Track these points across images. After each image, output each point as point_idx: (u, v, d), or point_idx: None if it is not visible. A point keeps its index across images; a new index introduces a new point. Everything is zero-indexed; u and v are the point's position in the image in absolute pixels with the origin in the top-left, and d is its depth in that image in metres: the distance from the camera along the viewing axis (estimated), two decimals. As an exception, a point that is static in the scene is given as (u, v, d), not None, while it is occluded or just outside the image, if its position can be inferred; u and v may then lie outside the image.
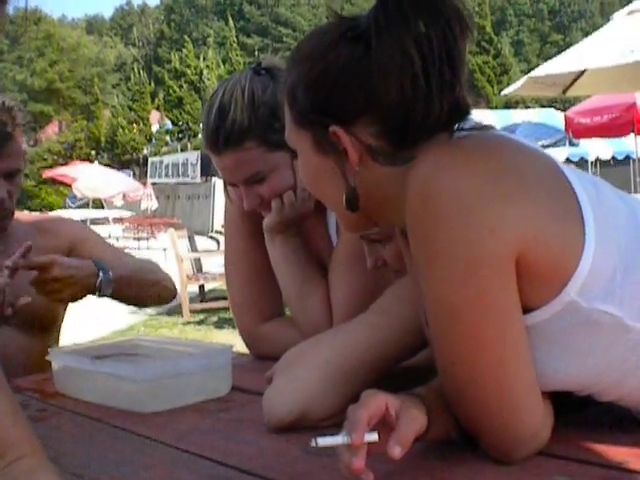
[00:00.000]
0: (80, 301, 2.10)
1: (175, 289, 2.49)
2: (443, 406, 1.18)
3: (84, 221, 22.79)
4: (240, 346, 2.17)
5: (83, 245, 2.42)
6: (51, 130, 49.96)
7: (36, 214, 2.66)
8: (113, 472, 1.24)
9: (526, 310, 1.13)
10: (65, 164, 32.69)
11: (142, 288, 2.32)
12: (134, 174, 37.03)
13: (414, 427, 1.09)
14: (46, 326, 2.35)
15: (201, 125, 1.92)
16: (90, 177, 22.50)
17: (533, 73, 8.43)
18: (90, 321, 7.70)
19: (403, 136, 1.17)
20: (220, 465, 1.25)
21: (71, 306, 2.37)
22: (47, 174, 27.25)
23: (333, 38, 1.20)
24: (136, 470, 1.25)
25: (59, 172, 25.15)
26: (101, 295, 2.12)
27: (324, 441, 1.05)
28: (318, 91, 1.20)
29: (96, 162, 31.23)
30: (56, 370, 1.83)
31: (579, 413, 1.32)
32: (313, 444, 1.05)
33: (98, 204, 26.43)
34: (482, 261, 1.07)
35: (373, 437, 1.05)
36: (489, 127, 1.24)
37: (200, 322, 9.68)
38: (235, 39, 50.08)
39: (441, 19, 1.14)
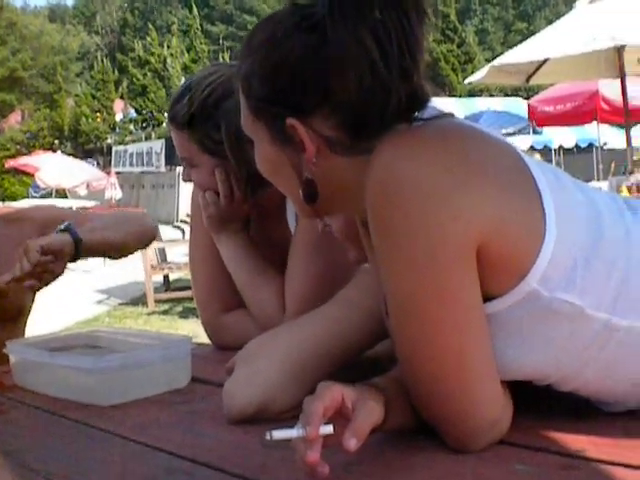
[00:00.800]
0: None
1: (152, 222, 2.44)
2: (401, 396, 1.18)
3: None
4: (204, 337, 2.15)
5: (56, 222, 2.38)
6: (14, 119, 49.41)
7: (5, 207, 2.61)
8: (69, 467, 1.22)
9: (486, 299, 1.12)
10: (28, 154, 32.33)
11: (119, 232, 2.26)
12: (98, 163, 36.73)
13: (370, 418, 1.08)
14: (14, 316, 2.30)
15: None
16: (53, 166, 22.26)
17: (496, 61, 8.48)
18: (54, 311, 7.64)
19: (361, 127, 1.16)
20: (176, 457, 1.23)
21: (37, 296, 2.33)
22: (9, 164, 26.92)
23: (287, 27, 1.18)
24: (92, 464, 1.23)
25: (21, 162, 24.86)
26: (79, 257, 2.04)
27: (279, 434, 1.05)
28: (274, 83, 1.19)
29: (59, 151, 30.95)
30: (14, 363, 1.80)
31: (538, 402, 1.32)
32: (268, 437, 1.04)
33: (62, 194, 26.19)
34: (442, 249, 1.07)
35: (328, 429, 1.05)
36: (449, 115, 1.23)
37: (165, 312, 9.63)
38: (199, 27, 49.81)
39: (397, 6, 1.12)
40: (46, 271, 1.91)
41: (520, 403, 1.22)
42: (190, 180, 1.98)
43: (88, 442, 1.36)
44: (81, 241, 1.99)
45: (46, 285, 2.00)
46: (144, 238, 2.36)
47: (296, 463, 1.05)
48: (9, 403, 1.65)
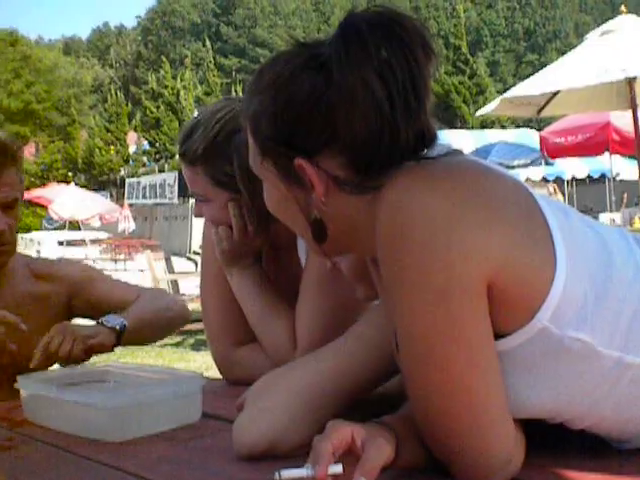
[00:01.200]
0: None
1: (188, 312, 2.48)
2: (412, 433, 1.17)
3: (61, 243, 22.71)
4: (217, 370, 2.15)
5: (86, 288, 2.39)
6: (28, 152, 49.69)
7: (35, 257, 2.58)
8: (78, 505, 1.21)
9: (497, 336, 1.12)
10: (42, 185, 32.51)
11: (158, 328, 2.33)
12: (111, 195, 36.89)
13: (380, 457, 1.07)
14: None
15: None
16: (67, 199, 22.36)
17: (508, 94, 8.47)
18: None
19: (369, 166, 1.16)
20: (187, 496, 1.23)
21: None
22: (24, 196, 27.07)
23: (295, 67, 1.18)
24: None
25: (35, 194, 24.98)
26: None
27: (288, 473, 1.04)
28: (281, 123, 1.19)
29: (72, 183, 31.08)
30: (24, 397, 1.80)
31: (552, 440, 1.30)
32: (276, 477, 1.04)
33: (75, 226, 26.27)
34: (453, 287, 1.06)
35: (337, 469, 1.04)
36: (457, 152, 1.22)
37: (177, 344, 9.62)
38: (212, 60, 50.09)
39: (403, 46, 1.13)
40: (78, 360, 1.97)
41: (533, 441, 1.21)
42: (201, 215, 1.98)
43: (98, 479, 1.34)
44: (122, 336, 2.07)
45: None
46: (176, 326, 2.44)
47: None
48: (19, 438, 1.64)
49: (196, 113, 2.07)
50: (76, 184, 31.66)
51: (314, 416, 1.37)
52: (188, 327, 10.05)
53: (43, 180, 40.55)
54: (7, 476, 1.13)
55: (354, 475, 1.03)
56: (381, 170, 1.15)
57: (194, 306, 11.03)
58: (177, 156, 2.10)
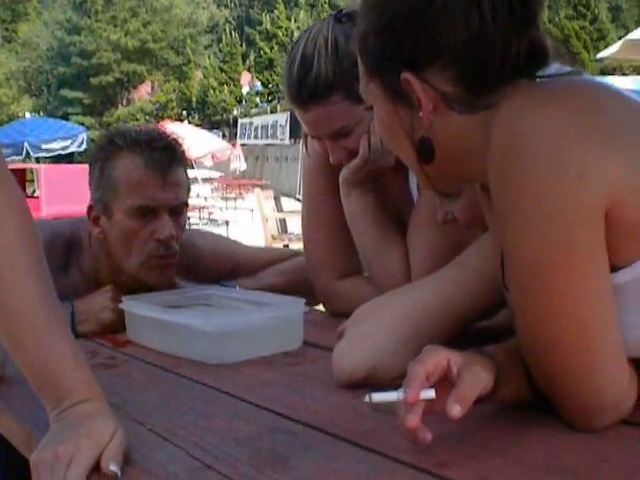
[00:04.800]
0: None
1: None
2: (516, 366, 1.12)
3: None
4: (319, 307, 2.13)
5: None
6: (144, 90, 50.62)
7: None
8: (173, 420, 1.21)
9: (613, 268, 1.05)
10: (157, 124, 33.12)
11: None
12: (224, 135, 37.27)
13: (476, 385, 1.02)
14: None
15: (283, 78, 1.87)
16: (180, 137, 22.73)
17: (631, 35, 8.18)
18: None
19: (479, 80, 1.10)
20: (282, 417, 1.21)
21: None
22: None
23: None
24: (196, 419, 1.22)
25: (150, 131, 25.43)
26: None
27: (378, 397, 1.02)
28: (387, 37, 1.14)
29: (186, 122, 31.54)
30: (129, 318, 1.82)
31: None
32: (367, 399, 1.02)
33: (188, 164, 26.76)
34: (568, 213, 1.00)
35: (429, 394, 1.00)
36: (577, 72, 1.15)
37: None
38: (327, 0, 49.83)
39: None
40: None
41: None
42: (340, 159, 1.84)
43: (195, 398, 1.34)
44: None
45: None
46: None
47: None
48: (121, 357, 1.66)
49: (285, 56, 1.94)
50: (190, 123, 32.07)
51: (416, 343, 1.33)
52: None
53: (158, 119, 41.28)
54: (107, 392, 1.13)
55: (447, 402, 0.99)
56: (491, 87, 1.10)
57: (301, 245, 11.14)
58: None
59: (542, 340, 1.07)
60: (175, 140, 2.05)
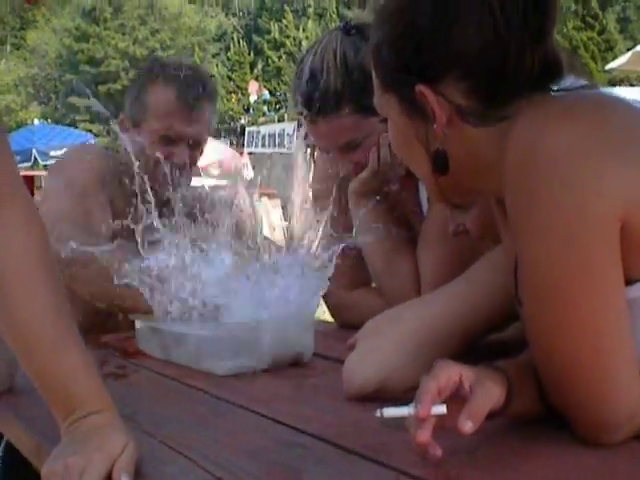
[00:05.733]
0: None
1: None
2: (527, 380, 1.11)
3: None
4: (327, 316, 2.13)
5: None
6: (152, 98, 50.68)
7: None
8: (185, 432, 1.21)
9: (627, 282, 1.04)
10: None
11: None
12: (231, 143, 37.28)
13: (488, 400, 1.02)
14: None
15: (292, 90, 1.88)
16: (188, 145, 22.78)
17: (639, 47, 8.19)
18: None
19: (493, 92, 1.11)
20: (294, 430, 1.21)
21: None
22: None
23: None
24: (207, 432, 1.22)
25: (158, 139, 25.47)
26: None
27: (390, 412, 1.02)
28: (402, 48, 1.15)
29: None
30: (138, 328, 1.82)
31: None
32: (378, 414, 1.02)
33: (195, 172, 26.73)
34: (585, 225, 1.00)
35: (441, 410, 1.00)
36: (592, 85, 1.15)
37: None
38: (335, 10, 49.86)
39: None
40: None
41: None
42: (348, 175, 1.87)
43: (207, 410, 1.35)
44: None
45: None
46: None
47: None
48: (131, 367, 1.66)
49: (293, 68, 1.94)
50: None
51: (425, 358, 1.32)
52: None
53: (166, 126, 41.27)
54: (118, 403, 1.13)
55: (459, 418, 0.99)
56: (505, 99, 1.11)
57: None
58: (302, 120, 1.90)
59: (556, 352, 1.07)
60: (208, 77, 2.23)
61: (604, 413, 1.06)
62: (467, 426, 0.98)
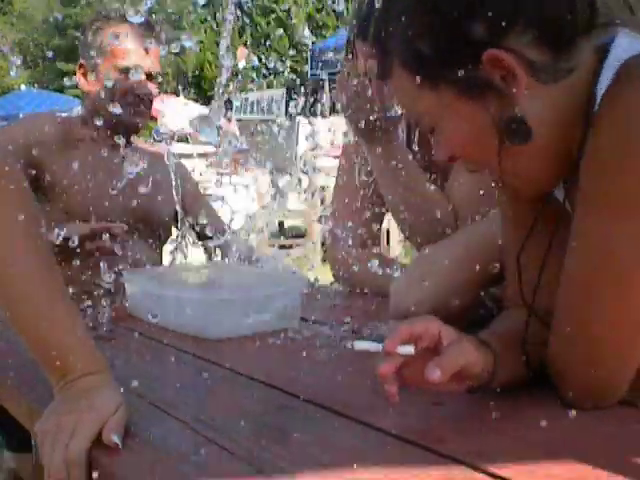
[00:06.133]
0: None
1: None
2: (510, 349, 1.12)
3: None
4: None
5: (185, 186, 2.48)
6: (140, 63, 50.35)
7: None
8: (174, 395, 1.23)
9: None
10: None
11: None
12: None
13: (461, 357, 1.03)
14: (163, 238, 2.53)
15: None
16: (176, 112, 22.60)
17: None
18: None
19: (558, 37, 1.04)
20: (283, 393, 1.22)
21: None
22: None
23: None
24: (197, 394, 1.24)
25: (146, 105, 25.29)
26: None
27: (361, 345, 1.05)
28: (456, 24, 1.05)
29: (182, 96, 31.37)
30: (129, 293, 1.83)
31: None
32: (349, 346, 1.05)
33: (183, 138, 26.62)
34: None
35: (408, 350, 1.02)
36: None
37: (277, 258, 9.67)
38: (325, -23, 49.51)
39: None
40: None
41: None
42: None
43: (195, 373, 1.35)
44: None
45: None
46: None
47: (403, 407, 1.04)
48: (120, 331, 1.67)
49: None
50: (185, 97, 31.87)
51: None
52: (289, 242, 10.18)
53: (153, 92, 41.05)
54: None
55: (427, 365, 0.99)
56: (571, 44, 1.04)
57: (297, 222, 11.12)
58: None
59: (590, 327, 1.05)
60: (153, 20, 2.46)
61: (605, 393, 1.08)
62: (435, 374, 0.98)
